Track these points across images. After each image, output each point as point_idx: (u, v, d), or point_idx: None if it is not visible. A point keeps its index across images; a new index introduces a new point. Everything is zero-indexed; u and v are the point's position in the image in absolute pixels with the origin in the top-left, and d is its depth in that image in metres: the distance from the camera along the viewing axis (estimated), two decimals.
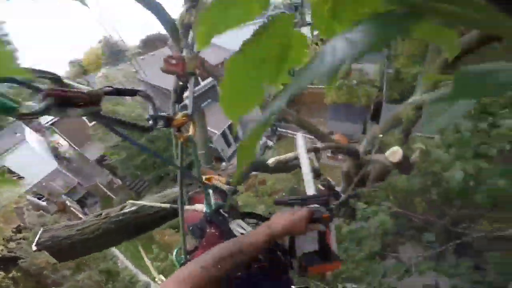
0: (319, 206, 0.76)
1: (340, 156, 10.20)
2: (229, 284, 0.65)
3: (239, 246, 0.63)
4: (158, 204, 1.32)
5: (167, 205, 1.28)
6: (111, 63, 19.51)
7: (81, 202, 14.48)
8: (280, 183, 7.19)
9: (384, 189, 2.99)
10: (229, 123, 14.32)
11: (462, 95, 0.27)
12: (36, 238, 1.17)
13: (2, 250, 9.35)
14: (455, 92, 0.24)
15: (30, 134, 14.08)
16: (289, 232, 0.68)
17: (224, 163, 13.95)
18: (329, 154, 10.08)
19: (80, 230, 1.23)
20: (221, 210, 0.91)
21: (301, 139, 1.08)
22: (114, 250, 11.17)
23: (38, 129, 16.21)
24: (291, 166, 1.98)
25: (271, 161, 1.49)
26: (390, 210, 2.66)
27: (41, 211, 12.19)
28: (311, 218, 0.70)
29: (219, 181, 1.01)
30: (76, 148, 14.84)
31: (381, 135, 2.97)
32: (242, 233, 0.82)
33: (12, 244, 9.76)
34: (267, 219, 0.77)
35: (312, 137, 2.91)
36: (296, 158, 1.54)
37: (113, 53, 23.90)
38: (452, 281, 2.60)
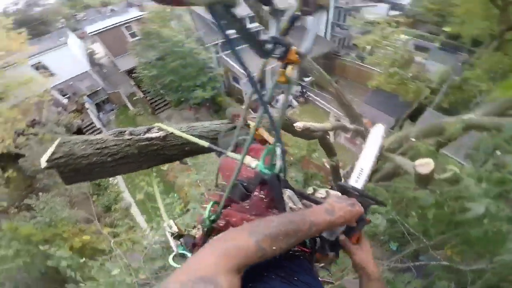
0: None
1: (358, 142, 9.95)
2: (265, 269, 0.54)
3: (303, 224, 0.52)
4: (196, 140, 1.07)
5: (205, 143, 1.03)
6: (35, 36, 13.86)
7: (99, 106, 15.34)
8: (294, 149, 7.08)
9: (386, 189, 2.95)
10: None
11: None
12: (49, 153, 0.94)
13: (9, 144, 9.18)
14: None
15: (72, 40, 14.82)
16: (344, 224, 0.62)
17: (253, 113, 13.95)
18: (347, 135, 9.82)
19: (99, 150, 1.03)
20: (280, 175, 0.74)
21: (379, 130, 0.81)
22: None
23: (82, 37, 16.86)
24: (313, 136, 1.94)
25: (300, 125, 1.43)
26: (387, 216, 2.60)
27: (61, 108, 13.13)
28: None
29: (269, 135, 0.83)
30: (111, 57, 15.10)
31: (413, 139, 2.80)
32: (291, 208, 0.71)
33: (21, 139, 9.63)
34: (317, 202, 0.69)
35: (341, 113, 2.77)
36: (325, 130, 1.49)
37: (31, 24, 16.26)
38: None
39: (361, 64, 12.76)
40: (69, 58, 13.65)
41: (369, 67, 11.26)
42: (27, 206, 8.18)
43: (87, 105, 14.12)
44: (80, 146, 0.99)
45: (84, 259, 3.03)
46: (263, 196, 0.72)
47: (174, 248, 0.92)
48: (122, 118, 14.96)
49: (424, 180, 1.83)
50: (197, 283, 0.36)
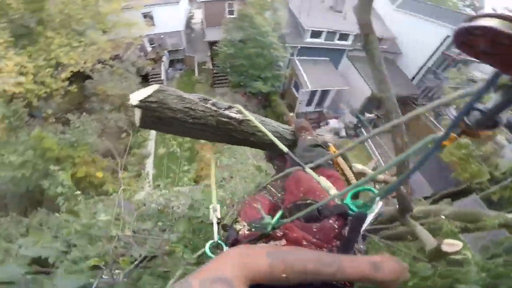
0: None
1: (388, 197, 9.43)
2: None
3: (329, 267, 0.50)
4: (276, 140, 1.11)
5: (285, 148, 1.07)
6: None
7: (172, 63, 16.98)
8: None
9: (387, 247, 3.08)
10: (326, 89, 13.72)
11: None
12: (145, 95, 0.97)
13: (88, 67, 10.21)
14: None
15: (183, 1, 16.56)
16: (387, 284, 0.54)
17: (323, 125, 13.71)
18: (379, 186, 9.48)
19: (187, 109, 1.06)
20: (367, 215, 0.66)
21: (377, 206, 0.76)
22: None
23: (191, 0, 18.65)
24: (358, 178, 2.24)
25: (359, 167, 1.68)
26: None
27: (142, 53, 14.79)
28: None
29: (346, 166, 0.88)
30: (204, 25, 16.55)
31: (443, 217, 2.89)
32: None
33: (98, 66, 10.74)
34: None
35: (382, 162, 2.95)
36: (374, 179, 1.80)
37: None
38: None
39: (435, 122, 11.55)
40: (172, 16, 15.27)
41: (441, 128, 10.49)
42: (66, 121, 8.40)
43: (163, 59, 15.76)
44: (173, 99, 1.04)
45: (78, 192, 2.91)
46: (336, 227, 0.72)
47: (215, 236, 0.91)
48: (185, 79, 16.31)
49: (437, 257, 2.02)
50: (215, 282, 0.41)
